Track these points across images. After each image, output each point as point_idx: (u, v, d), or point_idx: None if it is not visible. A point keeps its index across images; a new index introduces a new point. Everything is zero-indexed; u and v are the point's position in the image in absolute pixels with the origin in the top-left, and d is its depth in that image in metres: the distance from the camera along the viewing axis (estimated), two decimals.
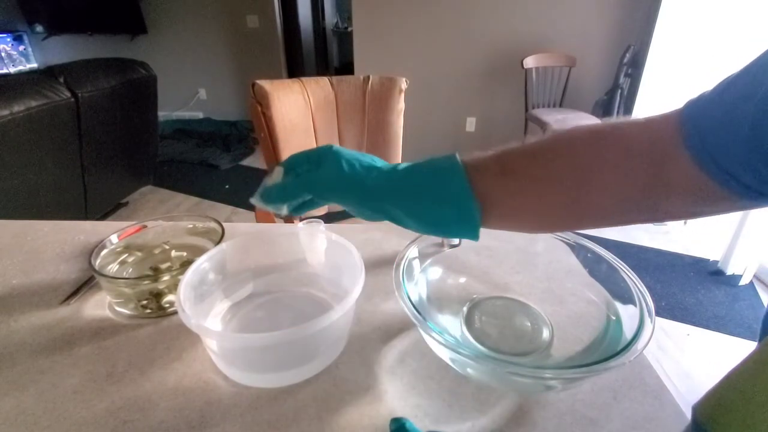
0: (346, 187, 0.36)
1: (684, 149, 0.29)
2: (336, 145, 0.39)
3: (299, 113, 1.26)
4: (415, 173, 0.36)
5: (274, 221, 1.17)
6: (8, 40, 3.55)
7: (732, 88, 0.28)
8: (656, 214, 0.33)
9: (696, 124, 0.29)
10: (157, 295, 0.54)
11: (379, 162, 0.38)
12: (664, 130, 0.31)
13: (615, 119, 0.35)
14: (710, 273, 2.00)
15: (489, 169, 0.35)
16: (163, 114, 3.80)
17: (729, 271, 1.97)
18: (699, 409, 0.25)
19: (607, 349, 0.40)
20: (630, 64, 2.67)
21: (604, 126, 0.34)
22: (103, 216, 2.33)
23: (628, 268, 0.47)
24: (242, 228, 0.75)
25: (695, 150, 0.29)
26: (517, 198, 0.35)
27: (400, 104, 1.34)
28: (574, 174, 0.34)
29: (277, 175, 0.41)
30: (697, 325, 1.65)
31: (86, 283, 0.59)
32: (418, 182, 0.35)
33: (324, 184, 0.37)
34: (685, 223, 2.34)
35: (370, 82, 1.32)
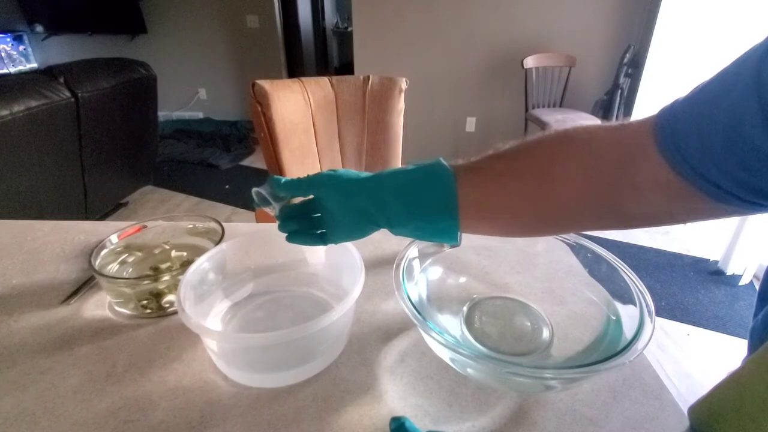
0: (342, 184, 0.41)
1: (656, 152, 0.30)
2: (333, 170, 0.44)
3: (299, 113, 1.26)
4: (399, 172, 0.40)
5: (274, 221, 1.17)
6: (8, 40, 3.54)
7: (704, 94, 0.28)
8: (627, 219, 0.34)
9: (669, 127, 0.30)
10: (157, 295, 0.54)
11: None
12: (635, 133, 0.32)
13: (592, 124, 0.36)
14: (710, 273, 2.00)
15: (460, 170, 0.37)
16: (163, 114, 3.80)
17: (729, 271, 1.97)
18: (693, 413, 0.25)
19: (607, 349, 0.40)
20: (630, 64, 2.67)
21: (575, 129, 0.35)
22: (103, 216, 2.33)
23: (628, 268, 0.47)
24: (242, 228, 0.75)
25: (668, 152, 0.29)
26: (480, 189, 0.36)
27: (400, 104, 1.34)
28: (534, 169, 0.35)
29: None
30: (697, 325, 1.65)
31: (86, 283, 0.59)
32: (403, 184, 0.39)
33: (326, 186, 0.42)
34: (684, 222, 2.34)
35: (370, 82, 1.32)
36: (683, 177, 0.29)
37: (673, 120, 0.30)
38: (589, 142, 0.34)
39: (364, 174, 0.41)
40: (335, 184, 0.41)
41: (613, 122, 0.35)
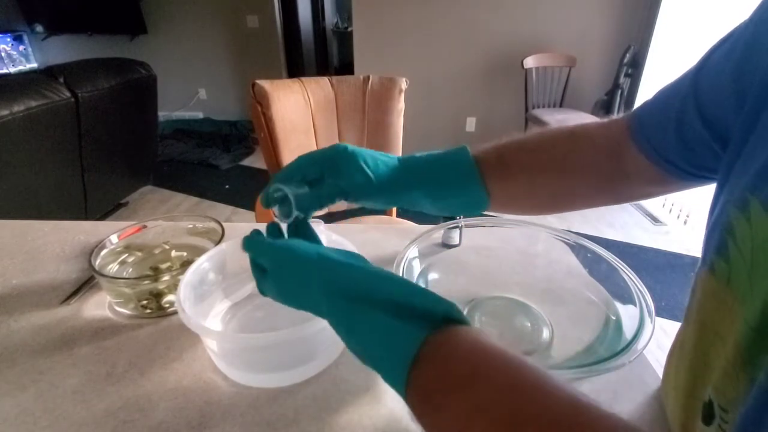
0: (378, 188, 0.39)
1: (631, 142, 0.38)
2: (345, 145, 0.40)
3: (299, 113, 1.26)
4: (433, 163, 0.41)
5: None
6: (8, 40, 3.54)
7: (662, 95, 0.37)
8: (618, 197, 0.43)
9: (639, 121, 0.38)
10: (157, 295, 0.54)
11: (392, 157, 0.42)
12: (618, 128, 0.40)
13: (583, 122, 0.43)
14: None
15: (488, 159, 0.41)
16: (163, 114, 3.80)
17: None
18: None
19: (607, 349, 0.40)
20: (630, 64, 2.67)
21: (575, 126, 0.42)
22: (103, 216, 2.33)
23: (628, 268, 0.47)
24: (242, 228, 0.75)
25: (639, 142, 0.38)
26: (511, 182, 0.42)
27: (400, 104, 1.34)
28: (554, 163, 0.42)
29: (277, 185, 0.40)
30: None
31: (86, 283, 0.59)
32: (437, 173, 0.41)
33: (360, 190, 0.39)
34: (685, 222, 2.34)
35: (370, 82, 1.32)
36: (654, 163, 0.37)
37: (641, 118, 0.38)
38: (592, 139, 0.41)
39: (387, 167, 0.40)
40: (374, 192, 0.40)
41: (604, 119, 0.42)
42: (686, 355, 0.34)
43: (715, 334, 0.29)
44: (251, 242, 0.36)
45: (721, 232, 0.28)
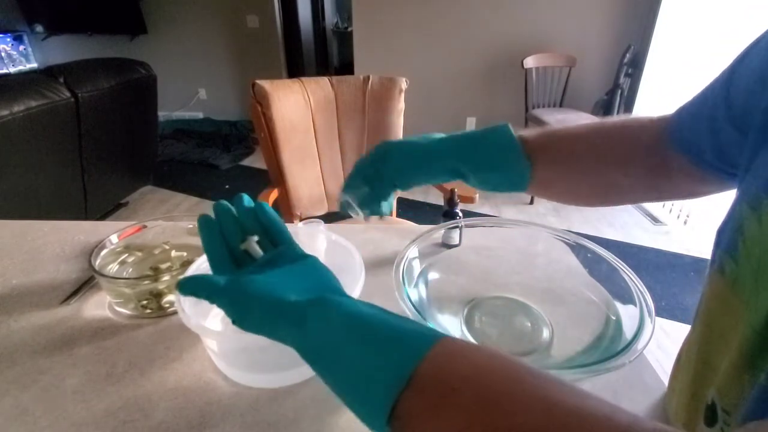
0: (422, 167, 0.43)
1: (670, 142, 0.39)
2: (390, 140, 0.44)
3: (299, 113, 1.26)
4: (476, 139, 0.43)
5: None
6: (8, 40, 3.54)
7: (703, 90, 0.37)
8: (662, 194, 0.43)
9: (678, 121, 0.39)
10: (157, 295, 0.54)
11: (434, 136, 0.44)
12: (662, 126, 0.40)
13: (624, 117, 0.43)
14: None
15: (538, 141, 0.42)
16: (163, 114, 3.80)
17: None
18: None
19: (607, 349, 0.40)
20: (630, 64, 2.67)
21: (627, 119, 0.43)
22: (103, 216, 2.33)
23: (628, 268, 0.47)
24: None
25: (676, 142, 0.38)
26: (556, 164, 0.42)
27: (400, 104, 1.34)
28: (602, 153, 0.42)
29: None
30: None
31: (86, 283, 0.59)
32: (481, 149, 0.42)
33: (407, 172, 0.43)
34: (685, 222, 2.34)
35: (370, 82, 1.32)
36: (693, 163, 0.37)
37: (680, 118, 0.38)
38: (639, 131, 0.42)
39: (429, 140, 0.43)
40: (406, 150, 0.43)
41: (645, 116, 0.42)
42: (692, 356, 0.34)
43: (719, 337, 0.29)
44: (191, 287, 0.32)
45: (732, 231, 0.28)
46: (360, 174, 0.44)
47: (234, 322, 0.30)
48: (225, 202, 0.38)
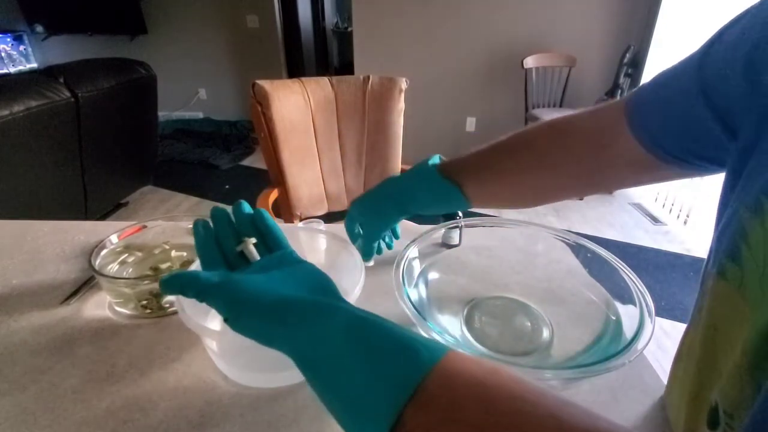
0: (373, 222, 0.54)
1: (628, 131, 0.37)
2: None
3: (299, 113, 1.26)
4: (405, 183, 0.50)
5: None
6: (8, 40, 3.54)
7: (666, 73, 0.35)
8: (608, 185, 0.43)
9: (636, 107, 0.37)
10: (157, 295, 0.54)
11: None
12: (610, 117, 0.39)
13: (569, 114, 0.43)
14: None
15: (467, 163, 0.46)
16: (163, 114, 3.80)
17: None
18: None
19: (607, 349, 0.40)
20: (630, 64, 2.67)
21: (559, 119, 0.42)
22: (103, 216, 2.33)
23: (628, 268, 0.47)
24: None
25: (635, 129, 0.37)
26: (487, 186, 0.46)
27: (400, 104, 1.34)
28: (533, 162, 0.43)
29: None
30: None
31: (86, 283, 0.59)
32: (412, 192, 0.50)
33: (363, 220, 0.54)
34: (685, 222, 2.34)
35: (370, 82, 1.32)
36: (649, 151, 0.36)
37: (638, 104, 0.37)
38: (576, 131, 0.41)
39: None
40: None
41: (590, 108, 0.41)
42: (694, 358, 0.34)
43: (725, 338, 0.29)
44: (176, 284, 0.31)
45: (733, 235, 0.27)
46: (350, 231, 0.55)
47: (226, 321, 0.29)
48: (222, 208, 0.38)
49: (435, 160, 0.49)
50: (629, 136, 0.37)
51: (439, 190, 0.47)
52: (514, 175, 0.44)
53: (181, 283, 0.31)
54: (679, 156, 0.35)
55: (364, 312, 0.26)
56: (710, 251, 0.31)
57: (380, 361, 0.22)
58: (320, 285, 0.31)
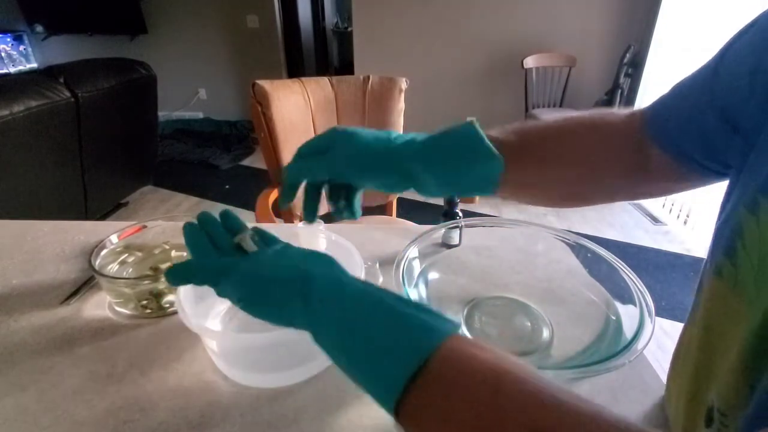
0: (375, 164, 0.37)
1: (649, 137, 0.36)
2: (343, 127, 0.39)
3: (299, 113, 1.26)
4: (442, 137, 0.38)
5: (274, 221, 1.17)
6: (8, 40, 3.54)
7: (685, 81, 0.35)
8: (637, 193, 0.41)
9: (657, 115, 0.36)
10: (157, 295, 0.54)
11: (392, 133, 0.39)
12: (637, 121, 0.38)
13: (605, 111, 0.40)
14: None
15: (509, 141, 0.38)
16: (163, 114, 3.79)
17: None
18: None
19: (607, 349, 0.40)
20: (630, 64, 2.67)
21: (598, 117, 0.40)
22: (103, 216, 2.33)
23: (628, 268, 0.47)
24: None
25: (657, 138, 0.36)
26: (530, 170, 0.39)
27: (400, 104, 1.34)
28: (579, 155, 0.39)
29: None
30: None
31: (86, 283, 0.59)
32: (445, 144, 0.37)
33: (357, 167, 0.37)
34: (685, 222, 2.34)
35: (370, 82, 1.32)
36: (673, 158, 0.35)
37: (658, 112, 0.36)
38: (613, 130, 0.39)
39: (385, 136, 0.39)
40: (367, 156, 0.37)
41: (623, 111, 0.39)
42: (691, 358, 0.34)
43: (720, 338, 0.29)
44: (183, 273, 0.33)
45: (730, 233, 0.27)
46: (303, 165, 0.38)
47: (241, 301, 0.30)
48: (209, 212, 0.38)
49: (476, 126, 0.38)
50: (653, 144, 0.36)
51: (482, 160, 0.36)
52: (555, 166, 0.39)
53: (189, 271, 0.32)
54: (702, 163, 0.34)
55: (374, 287, 0.28)
56: (709, 250, 0.32)
57: (397, 327, 0.24)
58: (330, 262, 0.32)
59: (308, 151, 0.39)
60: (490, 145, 0.36)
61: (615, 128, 0.39)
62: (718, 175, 0.34)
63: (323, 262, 0.32)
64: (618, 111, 0.40)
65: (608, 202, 0.43)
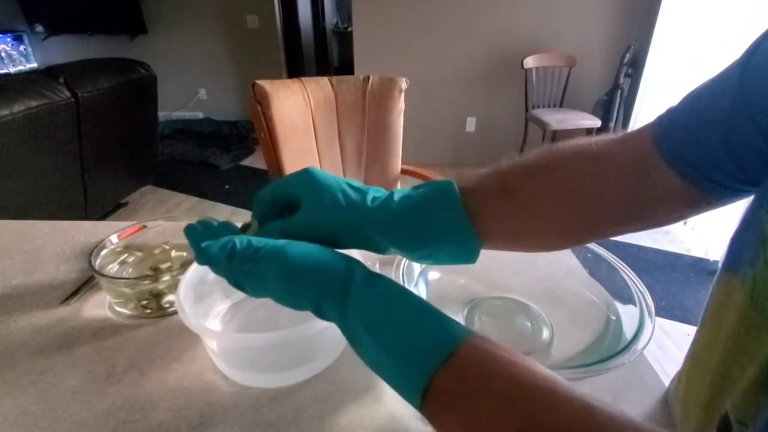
0: (341, 222, 0.33)
1: (662, 161, 0.31)
2: (313, 169, 0.35)
3: (299, 113, 1.26)
4: (416, 212, 0.33)
5: None
6: (8, 40, 3.54)
7: (698, 102, 0.31)
8: (648, 223, 0.35)
9: (670, 137, 0.31)
10: (157, 295, 0.54)
11: (370, 190, 0.35)
12: (639, 144, 0.33)
13: (595, 137, 0.35)
14: (710, 273, 2.00)
15: (489, 188, 0.34)
16: (163, 114, 3.80)
17: None
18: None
19: (607, 349, 0.40)
20: (630, 64, 2.67)
21: (588, 142, 0.35)
22: (103, 216, 2.33)
23: (628, 268, 0.47)
24: None
25: (670, 159, 0.31)
26: (518, 213, 0.34)
27: (400, 104, 1.34)
28: (571, 189, 0.34)
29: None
30: (697, 325, 1.65)
31: (86, 283, 0.59)
32: (415, 220, 0.33)
33: (311, 228, 0.34)
34: (684, 223, 2.34)
35: (370, 82, 1.32)
36: (689, 181, 0.30)
37: (669, 131, 0.31)
38: (609, 156, 0.34)
39: (359, 195, 0.34)
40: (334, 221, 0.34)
41: (617, 134, 0.35)
42: (706, 366, 0.33)
43: (741, 351, 0.28)
44: (214, 252, 0.30)
45: (751, 241, 0.26)
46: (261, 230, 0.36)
47: (275, 280, 0.30)
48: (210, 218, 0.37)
49: (456, 202, 0.33)
50: (665, 167, 0.31)
51: (464, 247, 0.34)
52: (546, 203, 0.34)
53: (222, 247, 0.30)
54: (725, 184, 0.30)
55: (397, 286, 0.30)
56: (725, 254, 0.30)
57: (427, 319, 0.27)
58: (348, 256, 0.32)
59: (269, 200, 0.37)
60: (471, 227, 0.33)
61: (610, 153, 0.34)
62: (743, 194, 0.30)
63: (349, 256, 0.33)
64: (611, 135, 0.35)
65: (614, 236, 0.37)
